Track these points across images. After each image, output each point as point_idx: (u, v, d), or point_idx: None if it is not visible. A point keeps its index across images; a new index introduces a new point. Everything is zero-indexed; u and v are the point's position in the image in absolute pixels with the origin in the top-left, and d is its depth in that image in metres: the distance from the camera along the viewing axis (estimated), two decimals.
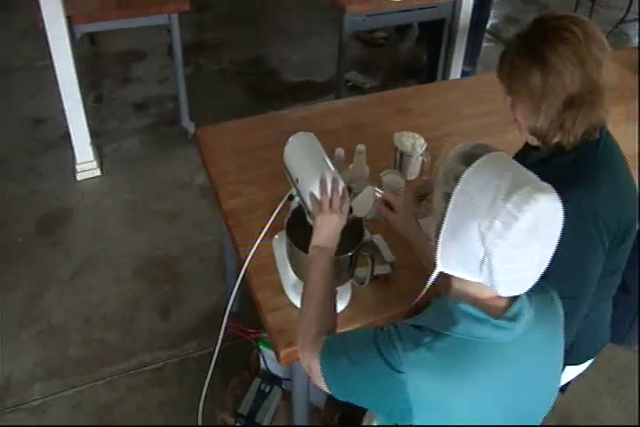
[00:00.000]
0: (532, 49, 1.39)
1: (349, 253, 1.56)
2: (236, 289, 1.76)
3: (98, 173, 3.43)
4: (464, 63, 3.88)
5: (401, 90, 2.69)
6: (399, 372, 1.12)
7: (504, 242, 1.06)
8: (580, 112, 1.39)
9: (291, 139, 1.68)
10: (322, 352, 1.26)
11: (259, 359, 2.43)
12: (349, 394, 1.24)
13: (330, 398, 2.29)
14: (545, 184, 1.11)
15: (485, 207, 1.08)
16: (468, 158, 1.15)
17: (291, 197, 1.70)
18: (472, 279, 1.14)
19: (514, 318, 1.16)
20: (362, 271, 1.71)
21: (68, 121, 3.29)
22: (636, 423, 2.10)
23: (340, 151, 1.95)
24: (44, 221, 3.15)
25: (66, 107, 3.25)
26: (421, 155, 2.08)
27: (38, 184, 3.35)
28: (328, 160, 1.60)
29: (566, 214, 1.41)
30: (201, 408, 1.95)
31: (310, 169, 1.56)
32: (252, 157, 2.18)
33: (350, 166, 1.99)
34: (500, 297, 1.16)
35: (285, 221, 1.64)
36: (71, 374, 2.53)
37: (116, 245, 3.06)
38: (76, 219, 3.18)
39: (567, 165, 1.48)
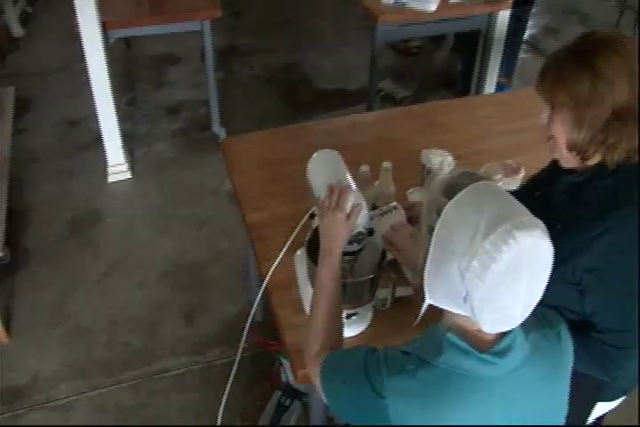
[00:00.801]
0: (581, 57, 1.35)
1: (371, 275, 1.55)
2: (255, 305, 1.79)
3: (129, 175, 3.47)
4: (499, 75, 3.84)
5: (430, 104, 2.66)
6: (382, 397, 1.12)
7: (482, 283, 1.03)
8: (626, 127, 1.34)
9: (314, 156, 1.67)
10: (322, 368, 1.27)
11: (280, 372, 2.43)
12: (340, 410, 1.26)
13: None
14: (529, 219, 1.06)
15: (464, 246, 1.04)
16: (451, 190, 1.10)
17: (312, 216, 1.69)
18: (460, 313, 1.12)
19: (501, 353, 1.12)
20: (383, 293, 1.69)
21: (101, 124, 3.34)
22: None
23: (365, 168, 1.91)
24: (76, 222, 3.19)
25: (99, 111, 3.30)
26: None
27: (71, 185, 3.40)
28: (351, 179, 1.58)
29: (610, 241, 1.36)
30: (220, 417, 1.95)
31: None
32: (277, 170, 2.17)
33: (376, 183, 1.97)
34: None
35: (306, 239, 1.64)
36: (96, 375, 2.56)
37: (144, 248, 3.08)
38: (105, 221, 3.22)
39: (607, 189, 1.42)
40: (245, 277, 2.89)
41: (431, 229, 1.10)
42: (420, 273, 1.16)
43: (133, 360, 2.62)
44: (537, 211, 1.10)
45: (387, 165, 1.90)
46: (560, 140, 1.42)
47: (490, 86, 3.79)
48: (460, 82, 4.08)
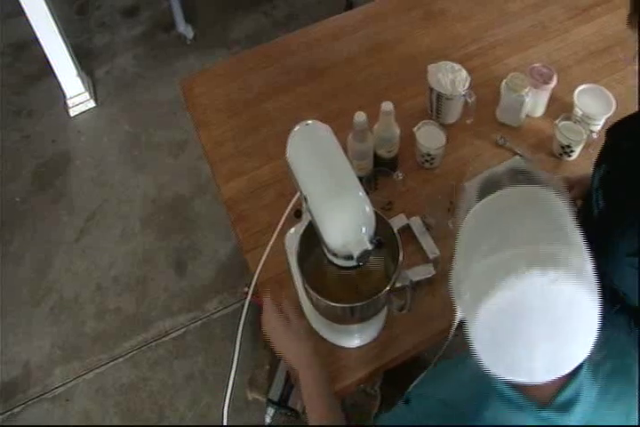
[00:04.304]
0: None
1: (387, 288, 1.21)
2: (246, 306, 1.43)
3: (92, 104, 3.06)
4: None
5: None
6: None
7: (473, 320, 0.78)
8: None
9: (295, 130, 1.18)
10: None
11: None
12: None
13: None
14: (560, 251, 0.75)
15: (463, 262, 0.83)
16: (486, 190, 0.86)
17: (297, 214, 1.30)
18: None
19: (565, 408, 0.82)
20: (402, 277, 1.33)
21: (48, 55, 2.89)
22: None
23: (360, 117, 1.46)
24: (42, 173, 2.85)
25: (40, 38, 2.83)
26: (463, 95, 1.63)
27: (31, 127, 3.02)
28: (347, 162, 1.13)
29: None
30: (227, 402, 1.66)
31: (325, 188, 1.10)
32: (250, 114, 1.80)
33: (376, 126, 1.56)
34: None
35: (295, 249, 1.24)
36: (90, 353, 2.36)
37: (121, 191, 2.76)
38: (74, 164, 2.87)
39: None
40: None
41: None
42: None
43: (127, 329, 2.40)
44: (623, 172, 0.96)
45: (386, 107, 1.50)
46: None
47: None
48: None
